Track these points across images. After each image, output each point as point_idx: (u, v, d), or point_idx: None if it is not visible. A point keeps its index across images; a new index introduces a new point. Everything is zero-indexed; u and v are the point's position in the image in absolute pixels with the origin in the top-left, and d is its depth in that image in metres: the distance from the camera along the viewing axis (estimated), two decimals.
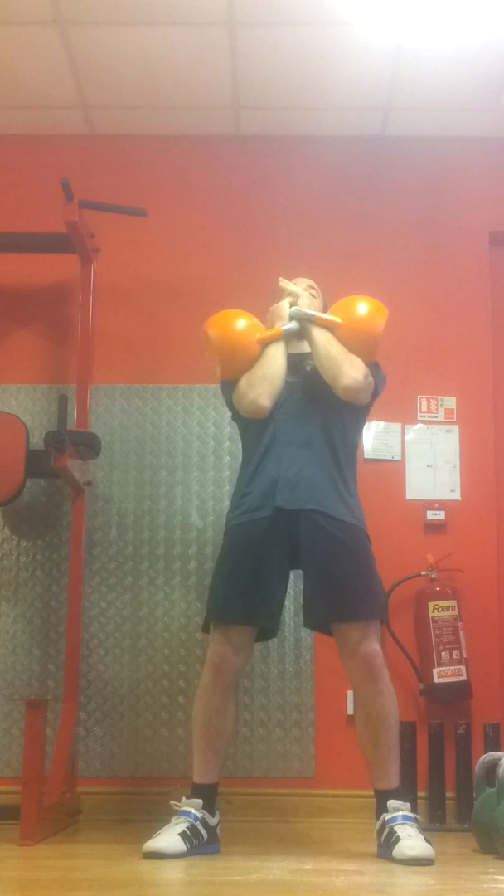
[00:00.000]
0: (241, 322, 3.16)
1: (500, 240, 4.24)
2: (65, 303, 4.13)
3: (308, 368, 3.15)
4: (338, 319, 3.13)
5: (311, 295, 3.27)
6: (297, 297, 3.21)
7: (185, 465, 4.02)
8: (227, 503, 3.78)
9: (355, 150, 4.30)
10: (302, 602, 3.11)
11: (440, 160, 4.28)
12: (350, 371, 3.05)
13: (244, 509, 3.05)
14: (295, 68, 3.89)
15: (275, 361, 3.09)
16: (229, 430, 3.95)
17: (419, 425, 4.07)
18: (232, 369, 3.15)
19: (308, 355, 3.16)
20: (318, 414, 3.09)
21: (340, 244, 4.20)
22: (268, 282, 4.03)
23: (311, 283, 3.33)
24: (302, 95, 4.06)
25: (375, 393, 3.20)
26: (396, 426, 4.05)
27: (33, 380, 4.09)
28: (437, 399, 4.09)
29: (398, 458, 4.04)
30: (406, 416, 4.06)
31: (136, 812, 3.60)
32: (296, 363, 3.16)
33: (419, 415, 4.08)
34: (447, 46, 3.75)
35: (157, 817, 3.02)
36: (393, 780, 2.90)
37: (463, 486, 4.02)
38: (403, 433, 4.06)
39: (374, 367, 3.16)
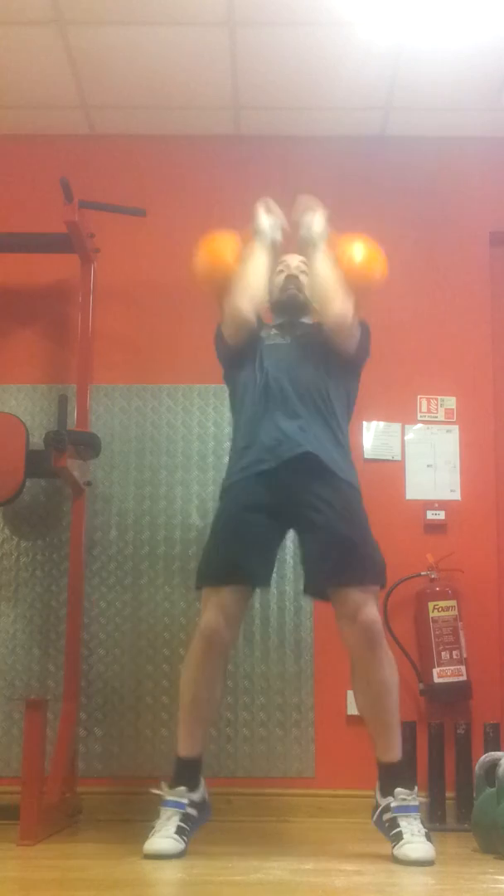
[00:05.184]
0: (220, 242, 3.27)
1: (500, 240, 4.24)
2: (65, 303, 4.13)
3: (299, 333, 3.21)
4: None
5: (304, 272, 3.28)
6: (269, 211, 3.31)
7: (185, 465, 4.02)
8: None
9: (355, 150, 4.30)
10: (303, 568, 3.10)
11: (440, 160, 4.28)
12: (342, 305, 3.11)
13: (243, 465, 3.04)
14: (295, 68, 3.89)
15: (251, 269, 3.17)
16: (229, 429, 3.93)
17: (419, 425, 4.07)
18: (220, 289, 3.23)
19: (300, 322, 3.24)
20: (312, 374, 3.11)
21: None
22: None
23: (303, 260, 3.32)
24: (302, 95, 4.06)
25: (363, 348, 3.23)
26: (396, 426, 4.05)
27: (33, 380, 4.09)
28: (437, 399, 4.09)
29: (398, 458, 4.04)
30: (406, 416, 4.06)
31: (136, 812, 3.58)
32: (288, 326, 3.23)
33: (419, 415, 4.08)
34: (447, 46, 3.75)
35: (157, 817, 3.01)
36: (396, 751, 2.89)
37: (463, 486, 4.02)
38: (403, 433, 4.06)
39: (361, 325, 3.23)
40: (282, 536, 3.10)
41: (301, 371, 3.11)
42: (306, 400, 3.07)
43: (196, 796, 2.88)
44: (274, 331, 3.26)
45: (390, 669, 2.90)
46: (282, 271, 3.31)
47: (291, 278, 3.29)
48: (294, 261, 3.32)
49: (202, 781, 2.93)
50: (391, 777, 2.86)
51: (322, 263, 3.20)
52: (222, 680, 3.02)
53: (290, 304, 3.27)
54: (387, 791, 2.85)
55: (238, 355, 3.21)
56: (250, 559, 2.97)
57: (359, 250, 3.23)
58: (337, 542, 2.94)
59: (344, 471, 3.03)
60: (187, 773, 2.89)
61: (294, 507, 2.99)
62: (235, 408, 3.23)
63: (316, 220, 3.25)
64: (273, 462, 2.99)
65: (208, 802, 2.92)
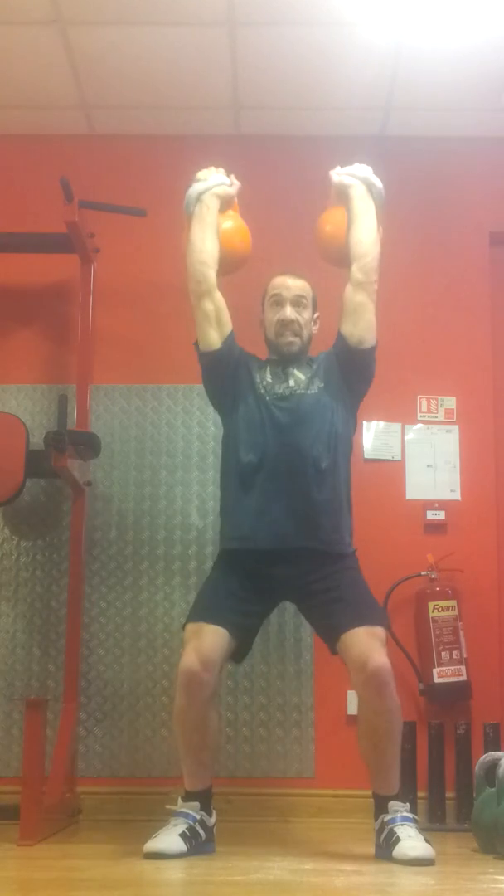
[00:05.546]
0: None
1: (500, 240, 4.24)
2: (65, 303, 4.13)
3: (292, 382, 3.12)
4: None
5: (303, 305, 3.19)
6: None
7: (185, 465, 4.02)
8: None
9: (355, 150, 4.28)
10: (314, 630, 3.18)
11: (440, 160, 4.28)
12: (376, 275, 3.22)
13: (239, 536, 3.03)
14: (295, 68, 3.89)
15: (193, 239, 3.20)
16: None
17: (419, 425, 4.07)
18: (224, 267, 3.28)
19: (292, 372, 3.14)
20: (315, 431, 3.04)
21: None
22: (266, 282, 4.05)
23: (303, 286, 3.23)
24: (302, 95, 4.06)
25: (371, 365, 3.22)
26: (396, 426, 4.05)
27: (33, 380, 4.10)
28: (437, 399, 4.09)
29: (398, 458, 4.04)
30: (406, 416, 4.06)
31: (136, 812, 3.60)
32: (283, 372, 3.14)
33: (419, 415, 4.08)
34: (447, 46, 3.75)
35: (157, 817, 3.01)
36: (394, 786, 2.89)
37: (463, 486, 4.02)
38: (403, 433, 4.06)
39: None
40: (271, 609, 3.16)
41: (299, 436, 3.02)
42: (306, 469, 3.00)
43: (208, 819, 2.88)
44: (269, 378, 3.13)
45: (397, 716, 2.88)
46: (275, 304, 3.20)
47: (288, 324, 3.16)
48: (288, 293, 3.19)
49: (214, 812, 2.93)
50: (387, 802, 2.86)
51: (375, 227, 3.24)
52: (216, 719, 2.95)
53: (287, 355, 3.16)
54: (381, 811, 2.85)
55: (226, 376, 3.15)
56: (233, 611, 2.96)
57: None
58: (339, 601, 2.94)
59: (339, 544, 3.01)
60: (199, 798, 2.90)
61: (291, 584, 3.00)
62: (227, 458, 3.13)
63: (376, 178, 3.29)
64: (270, 549, 2.97)
65: (214, 836, 2.91)
